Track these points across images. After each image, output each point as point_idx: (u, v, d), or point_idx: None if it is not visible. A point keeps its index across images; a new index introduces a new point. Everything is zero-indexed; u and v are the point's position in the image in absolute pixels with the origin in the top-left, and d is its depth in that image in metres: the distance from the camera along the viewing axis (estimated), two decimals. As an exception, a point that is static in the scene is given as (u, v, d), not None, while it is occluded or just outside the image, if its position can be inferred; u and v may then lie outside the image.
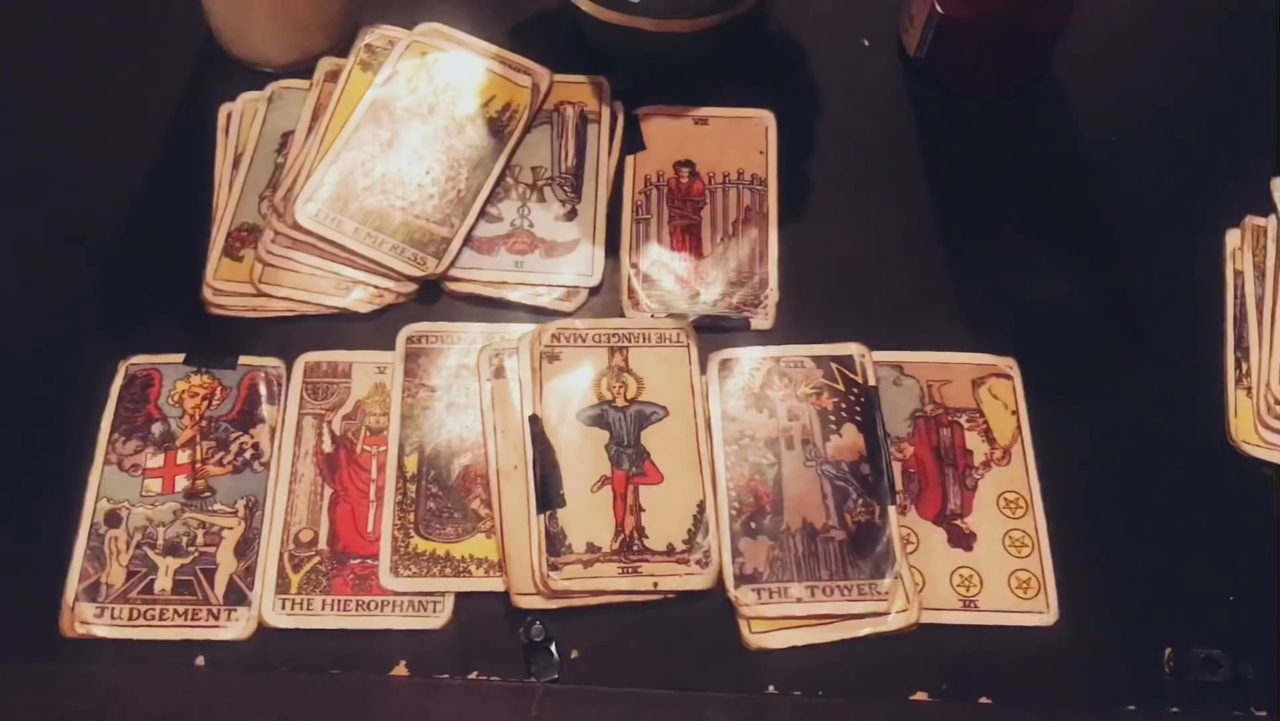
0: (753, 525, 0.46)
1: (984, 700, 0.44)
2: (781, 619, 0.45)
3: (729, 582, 0.45)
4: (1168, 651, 0.44)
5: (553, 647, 0.44)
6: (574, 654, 0.44)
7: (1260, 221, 0.53)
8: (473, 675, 0.43)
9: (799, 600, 0.45)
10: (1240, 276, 0.52)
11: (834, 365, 0.49)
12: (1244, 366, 0.50)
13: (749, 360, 0.49)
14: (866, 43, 0.58)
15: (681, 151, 0.54)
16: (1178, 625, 0.45)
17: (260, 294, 0.50)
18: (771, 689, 0.44)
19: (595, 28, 0.53)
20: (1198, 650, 0.44)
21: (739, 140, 0.55)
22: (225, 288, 0.50)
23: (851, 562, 0.45)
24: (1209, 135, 0.56)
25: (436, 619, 0.44)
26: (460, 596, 0.45)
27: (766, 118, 0.55)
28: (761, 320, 0.51)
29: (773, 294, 0.51)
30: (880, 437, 0.48)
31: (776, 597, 0.45)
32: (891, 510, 0.46)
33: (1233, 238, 0.53)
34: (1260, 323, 0.51)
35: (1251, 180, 0.54)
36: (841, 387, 0.49)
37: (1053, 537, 0.46)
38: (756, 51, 0.58)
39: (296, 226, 0.50)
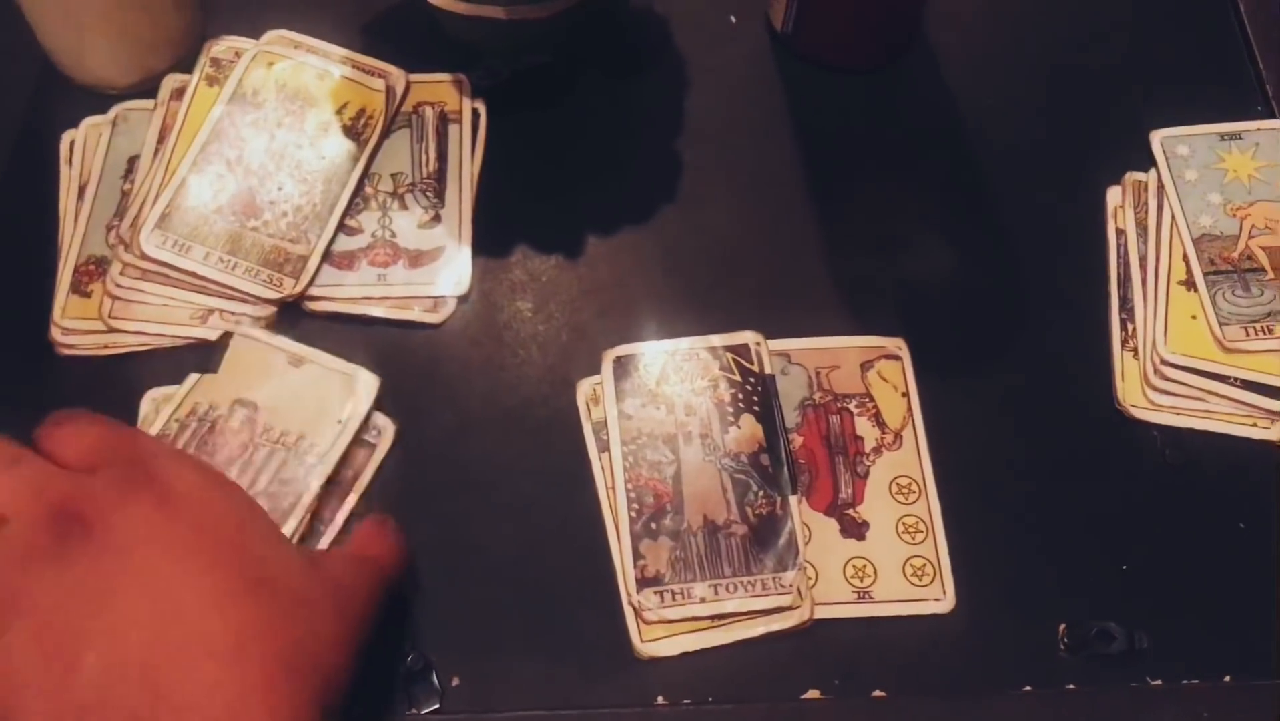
0: (653, 525, 0.45)
1: (877, 693, 0.43)
2: (684, 620, 0.43)
3: (630, 587, 0.44)
4: (1062, 627, 0.44)
5: (433, 676, 0.42)
6: (454, 680, 0.42)
7: (1141, 177, 0.52)
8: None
9: (703, 600, 0.43)
10: (1123, 235, 0.51)
11: (729, 355, 0.48)
12: (1129, 328, 0.49)
13: (644, 356, 0.48)
14: (733, 19, 0.56)
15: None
16: (1073, 599, 0.44)
17: (111, 330, 0.48)
18: (660, 699, 0.42)
19: (448, 21, 0.51)
20: (1091, 624, 0.44)
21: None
22: (74, 326, 0.47)
23: (754, 557, 0.44)
24: (1084, 94, 0.55)
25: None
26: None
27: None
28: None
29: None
30: (779, 426, 0.46)
31: (680, 599, 0.44)
32: (793, 500, 0.45)
33: (1114, 195, 0.52)
34: (1144, 281, 0.50)
35: (1129, 135, 0.53)
36: (738, 378, 0.48)
37: (946, 520, 0.45)
38: (619, 34, 0.56)
39: (144, 256, 0.48)
